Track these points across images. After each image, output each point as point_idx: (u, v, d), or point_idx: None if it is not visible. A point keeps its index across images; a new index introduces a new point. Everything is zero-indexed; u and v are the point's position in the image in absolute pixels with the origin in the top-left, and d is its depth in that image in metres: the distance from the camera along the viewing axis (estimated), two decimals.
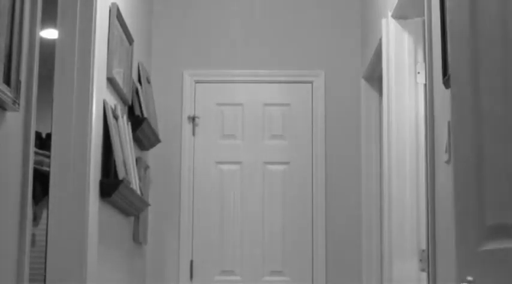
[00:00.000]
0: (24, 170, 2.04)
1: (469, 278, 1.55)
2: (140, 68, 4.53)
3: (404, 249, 3.59)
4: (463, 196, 1.68)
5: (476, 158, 1.59)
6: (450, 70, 2.06)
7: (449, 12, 1.90)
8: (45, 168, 4.03)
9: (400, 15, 3.72)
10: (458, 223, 1.71)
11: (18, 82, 2.00)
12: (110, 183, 3.50)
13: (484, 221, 1.54)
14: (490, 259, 1.48)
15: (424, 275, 3.35)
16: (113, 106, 3.73)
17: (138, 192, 3.98)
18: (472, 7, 1.65)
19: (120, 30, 3.89)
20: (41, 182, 4.08)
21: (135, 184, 3.91)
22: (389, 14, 3.74)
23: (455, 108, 1.76)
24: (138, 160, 4.27)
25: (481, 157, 1.56)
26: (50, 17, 3.47)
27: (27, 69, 2.12)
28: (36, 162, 3.88)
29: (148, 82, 4.82)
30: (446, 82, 2.46)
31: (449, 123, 2.46)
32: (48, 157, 3.39)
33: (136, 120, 4.19)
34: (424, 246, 3.49)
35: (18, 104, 1.99)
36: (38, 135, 4.55)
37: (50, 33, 5.75)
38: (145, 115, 4.30)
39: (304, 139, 5.08)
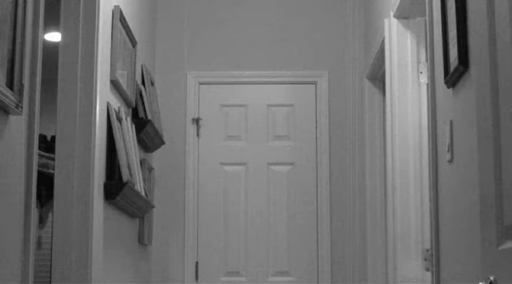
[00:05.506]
0: (28, 173, 2.05)
1: (491, 278, 1.55)
2: (144, 70, 4.54)
3: (409, 249, 3.59)
4: (484, 195, 1.68)
5: (494, 155, 1.59)
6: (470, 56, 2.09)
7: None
8: (50, 171, 4.04)
9: (402, 15, 3.72)
10: (481, 223, 1.72)
11: (21, 85, 2.01)
12: (114, 185, 3.51)
13: (503, 221, 1.54)
14: (509, 257, 1.48)
15: (429, 274, 3.35)
16: (117, 109, 3.74)
17: (143, 193, 3.99)
18: None
19: (123, 32, 3.90)
20: (47, 185, 4.09)
21: (139, 186, 3.92)
22: (392, 14, 3.75)
23: (479, 110, 1.76)
24: (142, 162, 4.28)
25: (499, 153, 1.57)
26: (53, 20, 3.49)
27: (30, 73, 2.13)
28: (41, 165, 3.89)
29: (152, 84, 4.83)
30: (448, 82, 2.46)
31: (451, 122, 2.46)
32: (54, 159, 3.41)
33: (140, 122, 4.20)
34: (428, 245, 3.49)
35: (21, 108, 2.00)
36: (43, 137, 4.56)
37: (53, 36, 5.76)
38: (149, 117, 4.31)
39: (308, 140, 5.08)
